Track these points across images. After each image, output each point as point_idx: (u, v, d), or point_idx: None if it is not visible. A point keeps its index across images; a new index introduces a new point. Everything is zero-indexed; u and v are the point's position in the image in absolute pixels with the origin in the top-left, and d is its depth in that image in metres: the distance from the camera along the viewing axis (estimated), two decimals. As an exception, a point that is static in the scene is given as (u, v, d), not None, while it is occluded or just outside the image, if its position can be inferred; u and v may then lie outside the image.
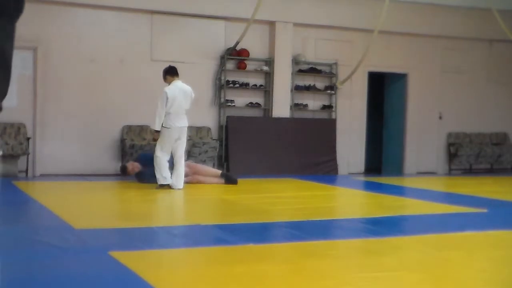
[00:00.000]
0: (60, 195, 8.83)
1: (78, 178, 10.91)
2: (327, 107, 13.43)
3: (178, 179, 9.21)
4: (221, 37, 12.46)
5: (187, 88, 9.40)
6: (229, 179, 10.27)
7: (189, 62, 11.92)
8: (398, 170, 14.11)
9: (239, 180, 10.33)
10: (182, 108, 9.30)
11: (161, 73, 9.57)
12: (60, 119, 11.35)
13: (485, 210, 7.80)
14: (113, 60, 11.67)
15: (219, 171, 10.61)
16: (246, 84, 12.74)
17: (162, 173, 9.22)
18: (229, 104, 12.57)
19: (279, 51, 12.84)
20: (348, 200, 9.72)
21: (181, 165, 9.27)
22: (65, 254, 4.74)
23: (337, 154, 13.25)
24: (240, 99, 12.71)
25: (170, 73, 9.44)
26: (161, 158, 9.22)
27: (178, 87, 9.31)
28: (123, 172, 10.40)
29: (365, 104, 13.86)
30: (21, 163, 10.99)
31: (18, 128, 10.98)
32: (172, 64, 9.61)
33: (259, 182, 10.98)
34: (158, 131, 9.30)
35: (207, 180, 10.14)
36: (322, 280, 4.14)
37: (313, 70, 13.28)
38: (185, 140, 9.43)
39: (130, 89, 11.74)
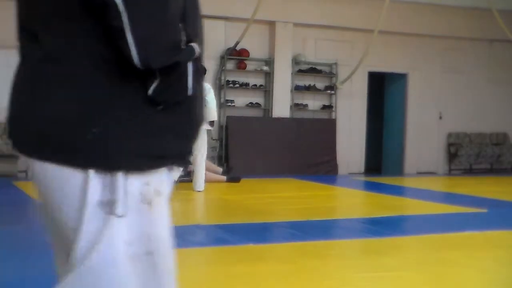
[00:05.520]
0: (60, 195, 8.80)
1: (78, 178, 10.89)
2: (327, 107, 13.43)
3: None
4: (221, 37, 12.46)
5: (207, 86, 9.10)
6: (232, 179, 10.31)
7: (189, 62, 11.91)
8: (398, 170, 14.10)
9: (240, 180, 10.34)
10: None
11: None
12: (60, 119, 11.33)
13: (485, 210, 7.80)
14: (113, 60, 11.66)
15: (220, 168, 10.63)
16: (246, 84, 12.74)
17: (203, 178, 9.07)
18: (229, 104, 12.57)
19: (279, 51, 12.84)
20: (348, 200, 9.71)
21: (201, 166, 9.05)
22: (65, 254, 4.73)
23: (337, 154, 13.25)
24: (240, 99, 12.71)
25: None
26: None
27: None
28: None
29: (365, 104, 13.86)
30: (21, 163, 10.98)
31: (18, 128, 10.96)
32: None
33: (259, 182, 10.98)
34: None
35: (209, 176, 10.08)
36: (322, 280, 4.14)
37: (313, 70, 13.28)
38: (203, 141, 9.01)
39: (130, 89, 11.72)
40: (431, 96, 14.35)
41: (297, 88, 13.15)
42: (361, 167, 13.79)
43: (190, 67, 1.39)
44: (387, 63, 13.85)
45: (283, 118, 12.85)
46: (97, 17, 1.33)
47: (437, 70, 14.41)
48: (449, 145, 14.53)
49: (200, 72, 1.44)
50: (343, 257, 5.06)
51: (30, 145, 1.41)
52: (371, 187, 11.41)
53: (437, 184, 12.41)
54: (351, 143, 13.59)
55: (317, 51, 13.30)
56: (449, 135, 14.60)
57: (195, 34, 1.45)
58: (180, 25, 1.37)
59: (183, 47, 1.38)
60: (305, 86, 13.27)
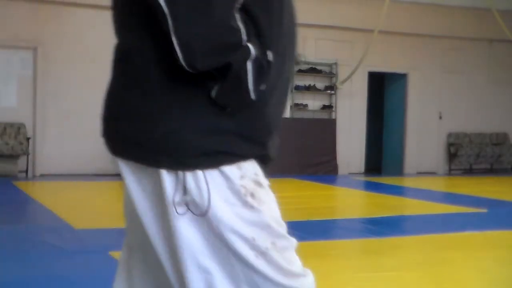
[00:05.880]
0: (60, 195, 8.82)
1: (78, 178, 10.90)
2: (327, 107, 13.43)
3: None
4: (221, 37, 12.45)
5: None
6: None
7: (189, 62, 11.90)
8: (398, 170, 14.10)
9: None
10: None
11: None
12: (60, 119, 11.34)
13: (485, 210, 7.80)
14: (113, 60, 11.65)
15: None
16: (246, 84, 12.73)
17: None
18: (229, 104, 12.56)
19: (279, 51, 12.82)
20: (348, 200, 9.72)
21: None
22: (65, 254, 4.73)
23: (337, 154, 13.24)
24: (240, 99, 12.69)
25: None
26: None
27: None
28: None
29: (365, 104, 13.86)
30: (21, 163, 10.99)
31: (18, 128, 10.97)
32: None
33: (259, 182, 10.95)
34: None
35: None
36: (322, 280, 4.13)
37: (313, 70, 13.28)
38: None
39: (130, 89, 11.72)
40: (431, 96, 14.35)
41: (297, 88, 13.15)
42: (361, 167, 13.79)
43: (249, 69, 1.33)
44: (387, 63, 13.85)
45: (283, 118, 12.83)
46: (155, 23, 1.34)
47: (437, 70, 14.41)
48: (449, 145, 14.54)
49: (265, 75, 1.37)
50: (343, 257, 5.05)
51: (116, 145, 1.47)
52: (371, 187, 11.41)
53: (437, 184, 12.41)
54: (351, 143, 13.59)
55: (317, 51, 13.29)
56: (449, 135, 14.60)
57: (265, 33, 1.38)
58: (236, 24, 1.32)
59: (243, 46, 1.32)
60: (305, 86, 13.27)
